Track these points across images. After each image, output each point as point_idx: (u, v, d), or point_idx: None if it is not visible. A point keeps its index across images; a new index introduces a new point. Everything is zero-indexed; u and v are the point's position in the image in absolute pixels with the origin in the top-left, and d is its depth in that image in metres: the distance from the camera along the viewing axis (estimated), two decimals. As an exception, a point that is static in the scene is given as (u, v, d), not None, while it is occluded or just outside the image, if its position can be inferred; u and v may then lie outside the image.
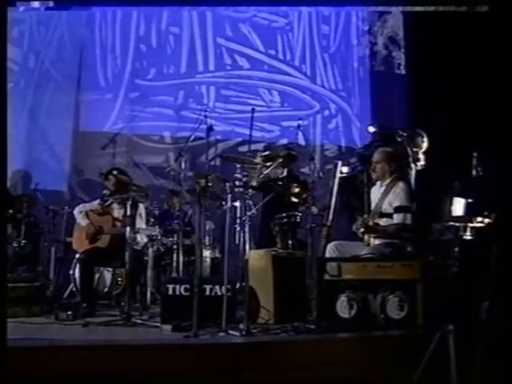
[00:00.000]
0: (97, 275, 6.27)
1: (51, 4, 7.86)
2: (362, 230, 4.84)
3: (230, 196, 4.86)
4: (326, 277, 4.39)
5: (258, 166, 5.87)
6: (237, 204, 5.46)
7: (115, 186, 5.85)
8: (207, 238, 6.57)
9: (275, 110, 8.41)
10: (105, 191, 5.75)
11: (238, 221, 5.42)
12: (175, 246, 6.33)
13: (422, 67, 8.01)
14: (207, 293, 4.89)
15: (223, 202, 5.55)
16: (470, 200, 4.46)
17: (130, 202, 5.42)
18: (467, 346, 3.25)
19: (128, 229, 5.20)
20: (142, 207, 6.07)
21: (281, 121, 8.23)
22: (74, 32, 8.07)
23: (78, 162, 7.90)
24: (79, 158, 7.89)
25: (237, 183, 5.29)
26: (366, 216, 4.87)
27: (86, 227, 5.84)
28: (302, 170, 7.13)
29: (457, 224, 4.48)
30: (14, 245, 6.10)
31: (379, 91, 8.50)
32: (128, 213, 5.28)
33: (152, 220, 6.49)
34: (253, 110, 5.56)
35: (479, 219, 4.28)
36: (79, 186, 7.82)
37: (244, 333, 4.17)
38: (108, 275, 6.28)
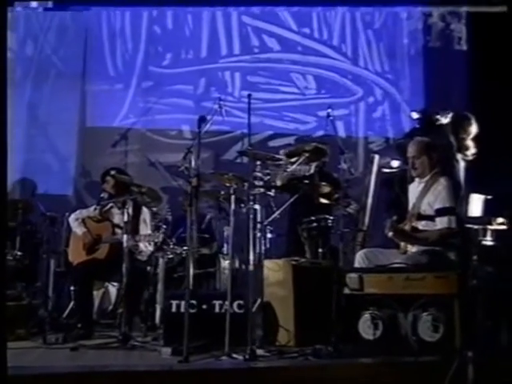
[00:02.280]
0: (101, 291, 6.28)
1: (50, 4, 8.04)
2: (390, 234, 4.66)
3: (233, 197, 4.98)
4: (346, 291, 4.25)
5: (282, 163, 5.80)
6: (257, 207, 5.33)
7: (114, 188, 5.91)
8: (225, 246, 6.47)
9: (310, 97, 8.28)
10: (102, 194, 5.78)
11: (259, 226, 5.28)
12: (196, 253, 6.33)
13: (487, 41, 7.68)
14: (216, 309, 4.87)
15: (242, 205, 5.49)
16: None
17: (129, 206, 5.47)
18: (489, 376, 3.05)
19: (125, 236, 5.20)
20: (146, 212, 6.07)
21: (317, 110, 8.07)
22: (78, 14, 8.15)
23: (85, 162, 7.94)
24: (86, 158, 7.94)
25: (257, 183, 5.25)
26: (394, 218, 4.69)
27: (83, 236, 5.88)
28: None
29: (475, 226, 4.25)
30: (9, 257, 6.10)
31: (434, 71, 8.21)
32: (125, 218, 5.30)
33: (164, 226, 6.43)
34: (249, 96, 5.49)
35: (500, 220, 4.04)
36: (86, 189, 7.85)
37: (248, 357, 4.06)
38: (113, 291, 6.26)
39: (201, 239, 6.75)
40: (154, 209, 6.56)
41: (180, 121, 8.11)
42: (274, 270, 5.08)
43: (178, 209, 7.01)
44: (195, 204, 4.47)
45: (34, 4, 7.96)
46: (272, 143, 8.01)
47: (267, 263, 5.06)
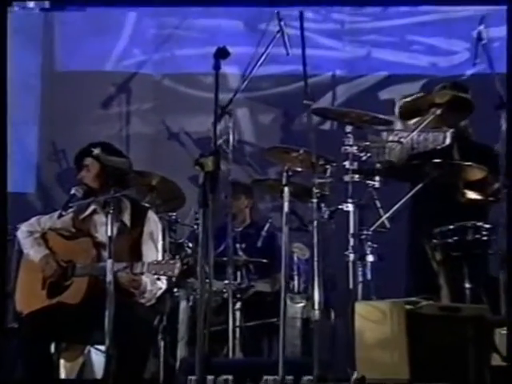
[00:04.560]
0: (79, 361, 6.39)
1: (47, 5, 8.42)
2: None
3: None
4: (497, 361, 4.23)
5: (395, 129, 5.98)
6: (349, 207, 5.48)
7: (98, 178, 6.00)
8: (296, 278, 6.53)
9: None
10: (73, 190, 5.85)
11: (352, 242, 5.44)
12: (239, 295, 6.62)
13: None
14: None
15: (321, 204, 5.55)
16: None
17: (124, 210, 5.77)
18: None
19: (109, 263, 5.34)
20: (154, 220, 6.13)
21: (470, 28, 7.94)
22: None
23: (56, 136, 8.18)
24: (58, 128, 8.19)
25: (348, 165, 5.43)
26: None
27: (42, 263, 5.95)
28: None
29: None
30: None
31: None
32: (109, 231, 5.42)
33: (190, 245, 6.56)
34: (301, 14, 5.53)
35: None
36: (60, 182, 8.10)
37: None
38: (99, 360, 6.36)
39: (256, 266, 7.02)
40: (172, 214, 6.76)
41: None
42: (374, 321, 5.08)
43: (218, 213, 7.09)
44: (213, 203, 4.44)
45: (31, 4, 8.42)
46: (386, 93, 8.09)
47: (361, 308, 5.08)
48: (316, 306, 4.90)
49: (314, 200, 5.14)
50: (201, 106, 8.10)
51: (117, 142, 7.20)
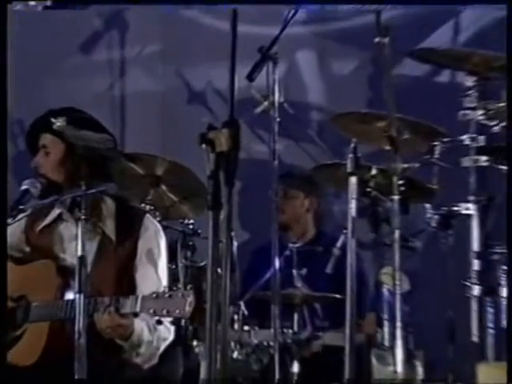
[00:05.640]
0: None
1: (49, 3, 8.92)
2: None
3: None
4: None
5: None
6: (471, 211, 5.42)
7: (61, 166, 5.89)
8: (386, 325, 6.22)
9: None
10: (26, 185, 5.74)
11: (477, 265, 5.40)
12: (296, 352, 6.45)
13: None
14: None
15: (426, 205, 5.68)
16: None
17: (105, 214, 5.66)
18: None
19: (78, 297, 5.14)
20: (156, 230, 5.98)
21: None
22: None
23: (10, 98, 7.89)
24: (12, 86, 7.87)
25: (467, 140, 5.42)
26: None
27: (-22, 300, 5.83)
28: None
29: None
30: None
31: None
32: (80, 250, 5.20)
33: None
34: None
35: None
36: (16, 170, 7.95)
37: None
38: None
39: (324, 305, 7.12)
40: (189, 222, 6.71)
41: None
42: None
43: (263, 220, 6.89)
44: (228, 204, 4.05)
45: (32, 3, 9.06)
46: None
47: (488, 372, 4.98)
48: (398, 369, 4.82)
49: (396, 196, 5.08)
50: (238, 49, 7.81)
51: (105, 106, 7.34)
